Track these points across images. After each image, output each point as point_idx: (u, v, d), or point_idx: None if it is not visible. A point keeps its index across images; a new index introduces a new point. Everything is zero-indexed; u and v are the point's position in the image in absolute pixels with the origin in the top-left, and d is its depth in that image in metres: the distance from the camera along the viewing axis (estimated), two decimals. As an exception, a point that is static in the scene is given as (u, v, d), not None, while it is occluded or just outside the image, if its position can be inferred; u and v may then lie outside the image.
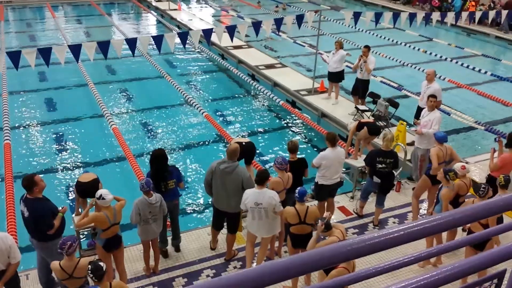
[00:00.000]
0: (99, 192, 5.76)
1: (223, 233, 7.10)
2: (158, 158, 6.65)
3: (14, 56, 8.89)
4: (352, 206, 8.27)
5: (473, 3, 24.10)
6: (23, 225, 5.94)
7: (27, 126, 11.89)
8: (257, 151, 10.70)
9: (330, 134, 7.49)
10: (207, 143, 11.26)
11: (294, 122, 12.51)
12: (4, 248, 5.14)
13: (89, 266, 4.71)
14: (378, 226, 7.76)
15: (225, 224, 6.99)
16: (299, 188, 6.11)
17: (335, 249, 1.63)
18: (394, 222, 7.91)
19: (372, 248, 1.68)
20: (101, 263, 4.70)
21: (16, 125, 11.78)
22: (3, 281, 5.16)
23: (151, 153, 6.85)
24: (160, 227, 6.45)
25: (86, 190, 6.54)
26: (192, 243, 7.26)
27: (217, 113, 12.90)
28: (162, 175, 6.59)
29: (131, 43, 9.87)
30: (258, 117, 12.94)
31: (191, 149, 10.89)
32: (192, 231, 7.59)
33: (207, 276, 6.61)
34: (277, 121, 12.75)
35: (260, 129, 12.08)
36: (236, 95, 14.54)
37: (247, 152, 7.68)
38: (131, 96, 14.13)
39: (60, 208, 5.92)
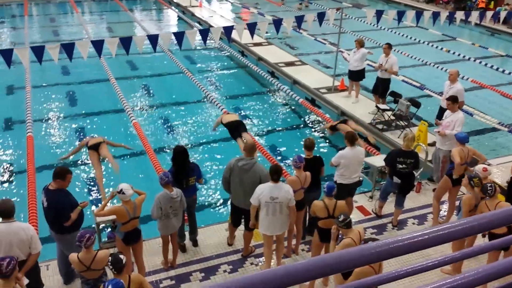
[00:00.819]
0: (120, 186, 5.83)
1: (240, 229, 7.11)
2: (181, 154, 6.70)
3: (38, 51, 9.04)
4: (371, 206, 8.20)
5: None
6: (44, 217, 6.05)
7: (49, 120, 12.09)
8: (276, 149, 10.72)
9: (349, 133, 7.42)
10: (225, 139, 11.27)
11: (313, 120, 12.45)
12: (25, 239, 5.25)
13: (109, 258, 4.77)
14: (397, 227, 7.68)
15: (242, 220, 7.00)
16: (327, 182, 6.10)
17: (359, 252, 1.61)
18: (413, 223, 7.82)
19: (396, 251, 1.66)
20: (121, 256, 4.75)
21: (39, 118, 11.98)
22: (23, 270, 5.24)
23: (172, 149, 6.89)
24: (180, 221, 6.50)
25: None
26: (210, 238, 7.29)
27: (236, 110, 12.91)
28: (184, 172, 6.64)
29: (153, 39, 9.94)
30: (277, 114, 12.91)
31: (210, 145, 10.93)
32: (210, 227, 7.63)
33: (224, 271, 6.64)
34: (296, 119, 12.71)
35: (279, 127, 12.05)
36: (255, 92, 14.54)
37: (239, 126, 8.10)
38: (151, 91, 14.24)
39: (81, 203, 6.01)
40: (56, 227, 5.91)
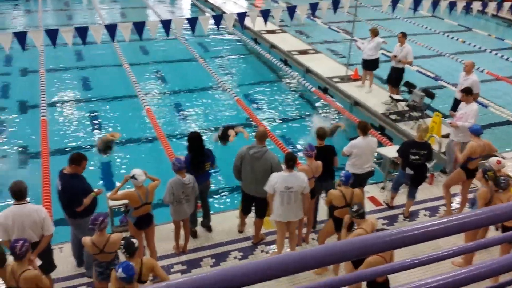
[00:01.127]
0: (133, 171, 5.87)
1: (251, 216, 7.14)
2: (196, 140, 6.73)
3: (52, 34, 9.09)
4: (383, 196, 8.17)
5: None
6: (58, 200, 6.12)
7: (62, 104, 12.17)
8: (287, 138, 10.70)
9: (361, 123, 7.40)
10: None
11: (325, 109, 12.39)
12: (38, 220, 5.31)
13: (122, 241, 4.83)
14: (409, 218, 7.65)
15: (253, 208, 7.02)
16: (344, 171, 6.09)
17: (374, 239, 1.61)
18: (425, 215, 7.79)
19: (411, 240, 1.66)
20: (134, 240, 4.80)
21: (52, 102, 12.07)
22: (36, 252, 5.31)
23: (187, 136, 6.89)
24: (192, 207, 6.55)
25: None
26: (221, 225, 7.34)
27: (248, 97, 12.89)
28: (200, 157, 6.69)
29: (166, 24, 9.92)
30: (289, 103, 12.87)
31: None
32: (221, 214, 7.68)
33: (235, 258, 6.70)
34: (308, 107, 12.65)
35: (291, 115, 12.02)
36: (268, 80, 14.48)
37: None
38: (164, 77, 14.26)
39: (95, 190, 6.05)
40: (69, 212, 5.97)
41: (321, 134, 6.91)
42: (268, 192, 6.22)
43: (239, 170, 6.72)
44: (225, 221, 7.46)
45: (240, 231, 7.23)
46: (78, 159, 5.86)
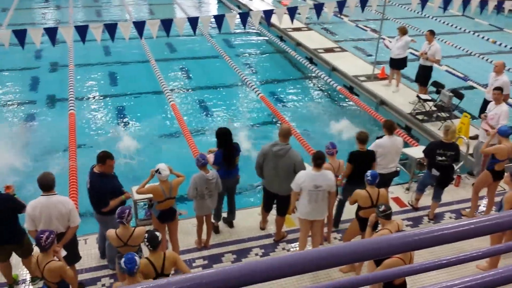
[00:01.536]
0: (158, 166, 5.94)
1: (273, 214, 7.13)
2: (226, 135, 6.75)
3: (82, 30, 9.25)
4: (407, 197, 8.05)
5: None
6: (84, 193, 6.21)
7: (90, 98, 12.39)
8: (312, 136, 10.64)
9: (388, 122, 7.31)
10: (261, 124, 11.28)
11: (351, 108, 12.27)
12: (64, 212, 5.39)
13: (146, 234, 4.88)
14: (433, 220, 7.52)
15: (274, 206, 7.01)
16: (370, 171, 6.02)
17: (402, 238, 1.58)
18: (450, 217, 7.65)
19: (441, 240, 1.61)
20: (157, 233, 4.85)
21: (80, 96, 12.29)
22: (62, 242, 5.40)
23: (216, 132, 6.84)
24: (215, 203, 6.59)
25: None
26: (243, 221, 7.35)
27: (272, 95, 12.87)
28: (231, 152, 6.72)
29: (193, 22, 9.98)
30: (314, 101, 12.80)
31: (245, 129, 10.93)
32: (243, 210, 7.68)
33: (256, 254, 6.70)
34: (333, 106, 12.56)
35: (315, 114, 11.94)
36: (293, 78, 14.43)
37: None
38: (189, 73, 14.36)
39: (125, 192, 6.06)
40: (96, 209, 6.01)
41: (363, 138, 6.75)
42: (294, 191, 6.19)
43: (261, 167, 6.70)
44: (247, 217, 7.47)
45: (262, 228, 7.23)
46: (102, 158, 5.84)
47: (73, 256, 5.76)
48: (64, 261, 5.03)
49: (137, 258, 4.43)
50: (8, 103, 12.01)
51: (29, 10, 21.56)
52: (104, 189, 5.82)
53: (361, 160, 6.70)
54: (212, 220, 7.01)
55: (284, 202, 6.76)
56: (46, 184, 5.37)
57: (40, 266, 4.77)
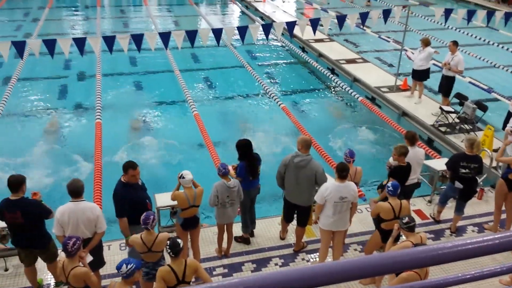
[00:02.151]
0: (182, 171, 6.08)
1: (293, 224, 7.18)
2: (248, 147, 6.79)
3: (109, 41, 9.51)
4: (429, 210, 8.00)
5: None
6: (108, 200, 6.31)
7: (116, 107, 12.67)
8: (333, 147, 10.65)
9: (409, 133, 7.31)
10: (282, 134, 11.35)
11: (372, 119, 12.25)
12: (92, 218, 5.53)
13: (168, 241, 4.98)
14: (455, 234, 7.45)
15: (295, 216, 7.05)
16: (392, 182, 5.99)
17: (426, 252, 1.57)
18: (473, 231, 7.56)
19: (464, 254, 1.60)
20: (179, 240, 4.95)
21: (107, 105, 12.58)
22: (88, 248, 5.54)
23: (237, 144, 6.86)
24: (236, 212, 6.68)
25: None
26: (263, 230, 7.42)
27: (294, 105, 12.95)
28: (255, 163, 6.80)
29: (217, 33, 10.16)
30: (335, 112, 12.81)
31: (266, 140, 11.01)
32: (263, 219, 7.74)
33: (275, 264, 6.75)
34: (355, 117, 12.56)
35: (336, 125, 11.96)
36: (314, 89, 14.49)
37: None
38: (212, 83, 14.56)
39: (149, 204, 6.10)
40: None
41: (404, 152, 6.64)
42: (318, 203, 6.20)
43: (282, 178, 6.74)
44: (267, 227, 7.53)
45: (282, 238, 7.28)
46: (125, 168, 5.91)
47: (98, 262, 5.88)
48: (89, 266, 5.17)
49: (128, 265, 4.56)
50: (38, 110, 12.38)
51: (58, 20, 22.21)
52: (124, 198, 5.83)
53: (402, 175, 6.65)
54: (241, 232, 7.13)
55: (304, 213, 6.81)
56: (75, 191, 5.53)
57: (65, 271, 4.89)
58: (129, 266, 4.58)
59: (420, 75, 11.91)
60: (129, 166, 5.88)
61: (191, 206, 6.10)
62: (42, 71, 14.75)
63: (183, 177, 6.02)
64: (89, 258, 5.52)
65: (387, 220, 5.97)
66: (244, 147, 6.79)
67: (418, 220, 7.73)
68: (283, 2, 26.38)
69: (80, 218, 5.47)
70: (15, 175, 5.69)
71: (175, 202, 6.19)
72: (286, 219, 7.11)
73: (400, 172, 6.64)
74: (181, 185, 6.13)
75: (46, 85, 14.09)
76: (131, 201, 5.87)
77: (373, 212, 6.20)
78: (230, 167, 6.91)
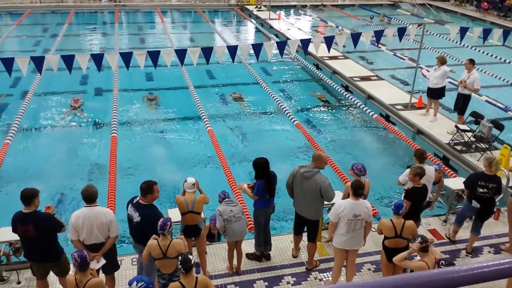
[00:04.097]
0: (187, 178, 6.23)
1: (304, 240, 7.12)
2: (266, 166, 6.70)
3: (126, 57, 9.66)
4: (445, 230, 7.87)
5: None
6: (130, 231, 6.14)
7: (131, 122, 12.80)
8: (346, 164, 10.58)
9: (418, 150, 7.32)
10: (296, 151, 11.34)
11: (387, 137, 12.17)
12: (105, 222, 5.67)
13: (179, 257, 4.97)
14: (471, 254, 7.31)
15: (304, 229, 6.97)
16: (395, 201, 5.95)
17: (442, 274, 1.55)
18: (489, 252, 7.41)
19: (481, 277, 1.57)
20: (190, 256, 4.94)
21: (123, 120, 12.72)
22: (101, 251, 5.73)
23: (254, 162, 6.75)
24: (244, 229, 6.64)
25: None
26: (275, 248, 7.33)
27: (308, 123, 12.94)
28: (273, 181, 6.76)
29: (232, 50, 10.26)
30: (349, 129, 12.78)
31: (280, 156, 11.01)
32: (275, 236, 7.67)
33: (287, 283, 6.67)
34: (369, 135, 12.49)
35: (350, 142, 11.92)
36: (328, 106, 14.47)
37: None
38: (227, 100, 14.64)
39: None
40: (145, 241, 5.78)
41: (420, 173, 6.55)
42: (332, 221, 6.13)
43: (291, 187, 6.75)
44: (280, 244, 7.47)
45: (295, 256, 7.21)
46: (149, 187, 5.82)
47: (112, 265, 6.02)
48: (104, 270, 5.40)
49: (138, 282, 4.58)
50: (55, 124, 12.55)
51: (76, 36, 22.65)
52: (155, 219, 5.62)
53: (417, 196, 6.59)
54: (253, 250, 7.10)
55: (313, 227, 6.76)
56: (89, 196, 5.69)
57: (79, 285, 4.97)
58: (139, 284, 4.58)
59: (436, 94, 11.83)
60: (152, 184, 5.88)
61: (190, 211, 6.16)
62: (60, 86, 14.96)
63: (185, 181, 6.19)
64: (102, 261, 5.74)
65: (389, 238, 5.95)
66: (262, 165, 6.70)
67: (433, 240, 7.60)
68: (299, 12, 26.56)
69: (94, 223, 5.62)
70: (29, 188, 5.75)
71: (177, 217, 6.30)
72: (296, 231, 7.05)
73: (415, 194, 6.57)
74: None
75: (64, 100, 14.25)
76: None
77: (378, 229, 6.21)
78: (245, 185, 6.91)
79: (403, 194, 6.84)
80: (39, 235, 5.61)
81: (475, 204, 7.08)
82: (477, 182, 7.02)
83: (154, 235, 5.54)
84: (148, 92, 14.42)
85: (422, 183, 6.66)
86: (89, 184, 5.99)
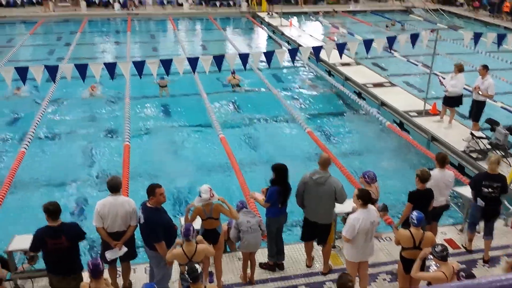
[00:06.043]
0: (201, 187, 6.15)
1: (316, 248, 7.06)
2: (285, 171, 6.65)
3: (139, 65, 9.69)
4: (461, 239, 7.74)
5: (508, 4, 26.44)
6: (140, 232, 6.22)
7: (144, 130, 12.84)
8: (359, 172, 10.48)
9: (440, 154, 7.32)
10: (307, 158, 11.25)
11: (400, 144, 12.04)
12: (129, 210, 5.96)
13: (186, 267, 4.95)
14: (489, 263, 7.17)
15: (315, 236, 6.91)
16: (416, 213, 5.81)
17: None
18: (507, 262, 7.24)
19: None
20: (197, 265, 4.91)
21: (135, 128, 12.77)
22: (123, 240, 6.01)
23: (274, 167, 6.70)
24: (258, 241, 6.58)
25: None
26: (288, 257, 7.26)
27: (320, 130, 12.87)
28: (288, 189, 6.70)
29: (244, 58, 10.25)
30: (362, 136, 12.68)
31: (292, 164, 10.84)
32: (288, 245, 7.59)
33: (301, 292, 6.60)
34: (382, 142, 12.38)
35: (363, 149, 11.82)
36: (340, 113, 14.40)
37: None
38: (238, 107, 14.64)
39: (175, 226, 6.13)
40: (149, 244, 5.99)
41: (426, 177, 6.54)
42: (346, 237, 5.93)
43: (302, 196, 6.66)
44: (293, 253, 7.40)
45: (308, 266, 7.13)
46: (151, 189, 5.86)
47: (131, 253, 6.26)
48: (123, 257, 6.00)
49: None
50: (68, 132, 12.64)
51: (89, 45, 22.88)
52: (159, 223, 5.79)
53: (422, 200, 6.54)
54: (267, 259, 7.03)
55: (325, 231, 6.74)
56: (114, 186, 5.99)
57: None
58: None
59: (453, 102, 11.68)
60: (155, 186, 5.91)
61: (208, 217, 6.15)
62: (74, 94, 15.09)
63: (200, 195, 6.08)
64: (124, 249, 6.08)
65: (407, 249, 5.87)
66: (281, 171, 6.64)
67: (449, 249, 7.46)
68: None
69: (119, 211, 5.90)
70: (53, 203, 5.65)
71: (199, 225, 6.26)
72: (305, 238, 6.97)
73: (418, 197, 6.50)
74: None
75: (77, 108, 14.36)
76: (164, 225, 5.89)
77: (395, 240, 6.11)
78: (257, 194, 6.88)
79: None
80: (72, 244, 5.71)
81: (479, 202, 7.06)
82: (481, 182, 7.01)
83: (178, 241, 5.58)
84: (159, 77, 14.47)
85: (429, 187, 6.62)
86: (114, 175, 6.44)
